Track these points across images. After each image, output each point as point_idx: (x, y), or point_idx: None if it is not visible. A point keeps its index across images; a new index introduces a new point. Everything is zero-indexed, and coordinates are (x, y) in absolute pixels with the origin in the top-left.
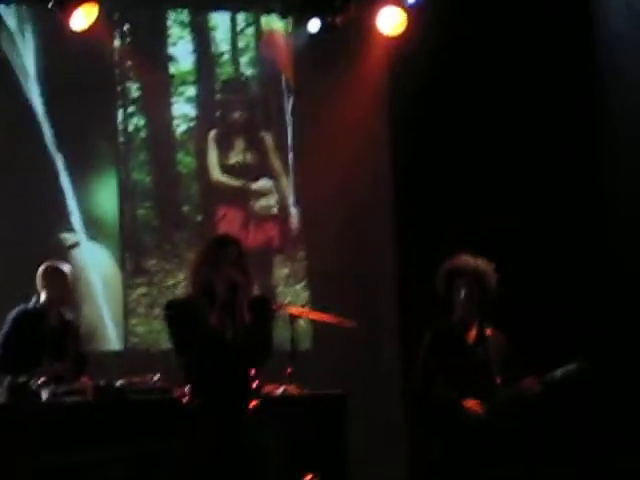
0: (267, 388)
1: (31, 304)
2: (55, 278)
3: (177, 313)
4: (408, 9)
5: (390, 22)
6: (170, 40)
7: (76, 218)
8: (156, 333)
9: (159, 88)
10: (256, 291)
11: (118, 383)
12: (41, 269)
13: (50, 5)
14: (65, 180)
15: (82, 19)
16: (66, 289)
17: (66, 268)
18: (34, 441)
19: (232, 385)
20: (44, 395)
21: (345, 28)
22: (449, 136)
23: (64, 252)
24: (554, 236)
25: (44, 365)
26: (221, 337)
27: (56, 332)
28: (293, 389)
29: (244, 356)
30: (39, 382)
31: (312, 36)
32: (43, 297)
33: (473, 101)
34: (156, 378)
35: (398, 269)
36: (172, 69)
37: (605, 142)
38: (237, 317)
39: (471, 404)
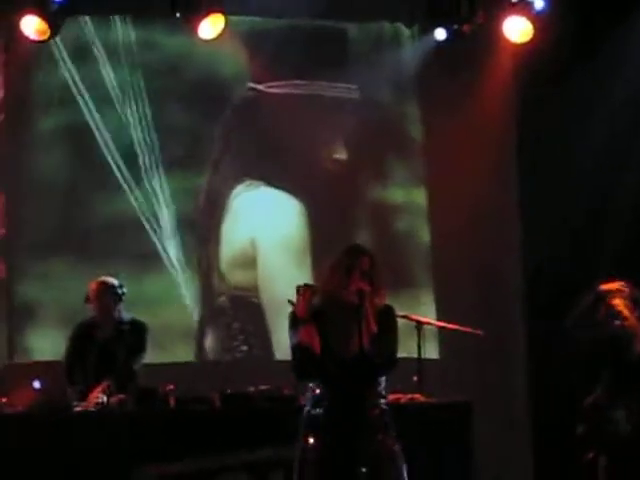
0: (393, 397)
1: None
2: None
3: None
4: (535, 17)
5: (517, 30)
6: None
7: None
8: None
9: None
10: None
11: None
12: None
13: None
14: None
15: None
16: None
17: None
18: (160, 447)
19: (353, 393)
20: (171, 402)
21: (472, 36)
22: (576, 144)
23: None
24: None
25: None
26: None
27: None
28: (420, 397)
29: (368, 365)
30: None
31: (439, 44)
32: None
33: (600, 107)
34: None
35: (526, 277)
36: None
37: None
38: (364, 326)
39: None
